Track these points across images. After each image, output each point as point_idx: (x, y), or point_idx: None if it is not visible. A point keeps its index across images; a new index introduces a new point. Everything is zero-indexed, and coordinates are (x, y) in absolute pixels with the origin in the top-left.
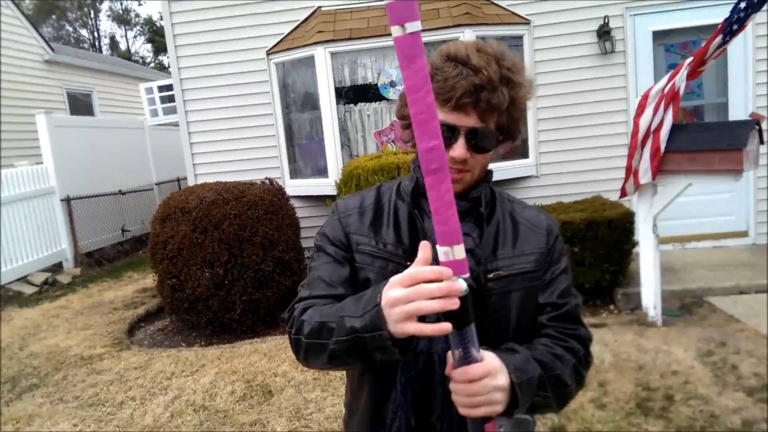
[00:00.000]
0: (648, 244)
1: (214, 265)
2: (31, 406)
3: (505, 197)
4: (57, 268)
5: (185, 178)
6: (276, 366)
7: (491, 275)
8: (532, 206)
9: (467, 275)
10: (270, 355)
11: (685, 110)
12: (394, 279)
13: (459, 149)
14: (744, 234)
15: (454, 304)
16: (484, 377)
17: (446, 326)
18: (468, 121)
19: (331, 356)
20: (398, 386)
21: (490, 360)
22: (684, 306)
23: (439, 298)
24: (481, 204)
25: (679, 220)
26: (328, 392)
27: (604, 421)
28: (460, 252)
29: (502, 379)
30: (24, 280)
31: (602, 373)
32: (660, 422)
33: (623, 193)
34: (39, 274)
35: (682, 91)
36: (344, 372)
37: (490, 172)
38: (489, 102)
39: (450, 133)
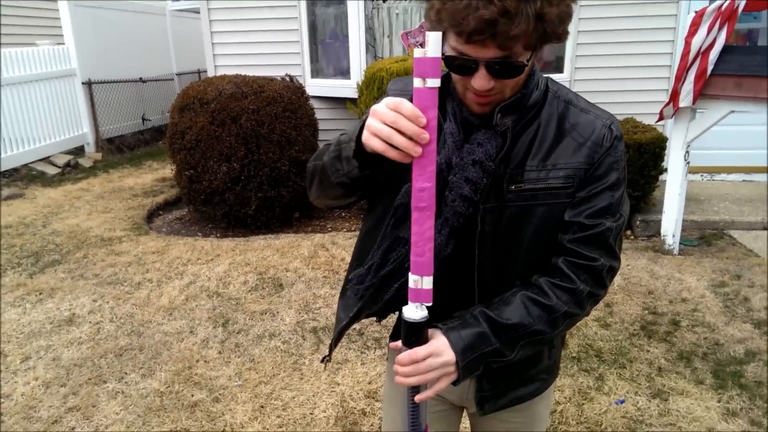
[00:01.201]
0: (677, 170)
1: (230, 159)
2: (54, 280)
3: (561, 98)
4: (79, 151)
5: (206, 71)
6: (288, 262)
7: (513, 187)
8: (595, 109)
9: (429, 303)
10: (283, 251)
11: (738, 33)
12: (387, 99)
13: (480, 80)
14: None
15: (416, 151)
16: (428, 357)
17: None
18: (487, 52)
19: (322, 176)
20: (390, 221)
21: (434, 340)
22: (703, 237)
23: (407, 138)
24: (510, 111)
25: (710, 150)
26: (336, 290)
27: (606, 339)
28: (428, 283)
29: (448, 354)
30: (47, 161)
31: (610, 295)
32: (663, 345)
33: (661, 116)
34: (61, 156)
35: (740, 10)
36: None
37: (531, 78)
38: (507, 34)
39: (468, 63)
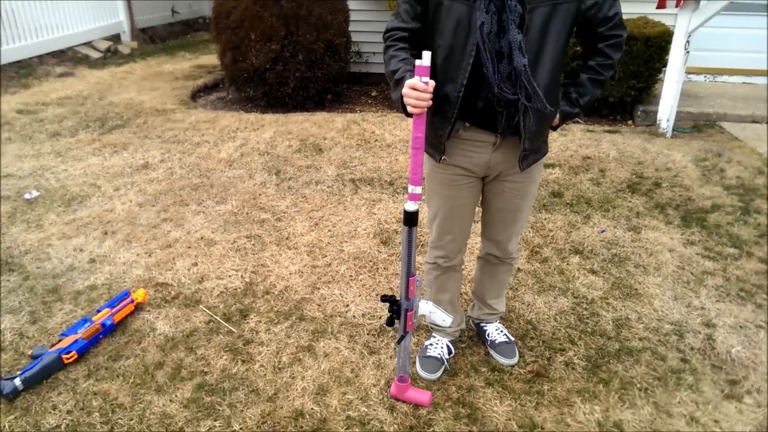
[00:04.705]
0: (677, 58)
1: (272, 39)
2: (123, 138)
3: None
4: (116, 39)
5: None
6: (325, 132)
7: None
8: None
9: (420, 201)
10: (319, 124)
11: None
12: (408, 82)
13: None
14: None
15: (423, 105)
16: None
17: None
18: None
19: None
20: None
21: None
22: (696, 126)
23: (417, 102)
24: None
25: (714, 52)
26: (370, 154)
27: (595, 193)
28: (418, 190)
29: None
30: (89, 45)
31: (605, 163)
32: (643, 198)
33: (661, 3)
34: (102, 41)
35: None
36: (383, 140)
37: None
38: None
39: None
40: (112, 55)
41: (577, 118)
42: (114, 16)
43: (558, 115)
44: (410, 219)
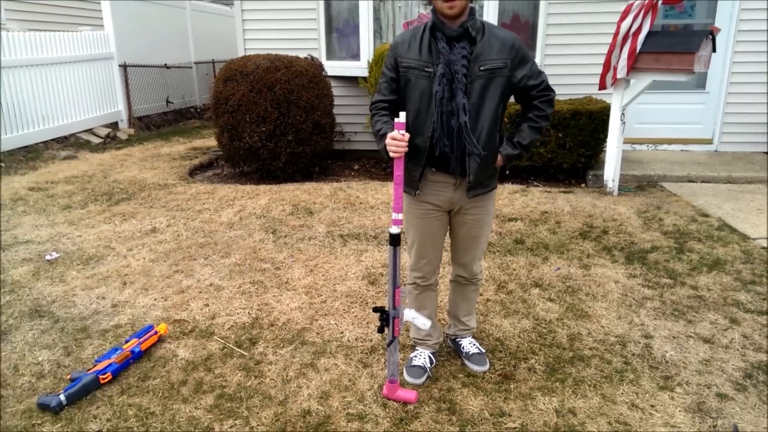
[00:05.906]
0: (615, 126)
1: (266, 120)
2: (131, 208)
3: (488, 26)
4: (114, 126)
5: (220, 61)
6: (314, 198)
7: (482, 68)
8: (506, 30)
9: (401, 227)
10: (309, 192)
11: (677, 27)
12: (393, 135)
13: None
14: (709, 141)
15: (401, 151)
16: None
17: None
18: None
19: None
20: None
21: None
22: (639, 186)
23: (396, 149)
24: (470, 30)
25: (655, 124)
26: (356, 214)
27: (552, 239)
28: (399, 216)
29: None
30: (90, 132)
31: (560, 216)
32: (593, 243)
33: (602, 85)
34: (101, 128)
35: (660, 4)
36: (367, 203)
37: (473, 11)
38: None
39: None
40: (111, 140)
41: (536, 183)
42: (113, 106)
43: (501, 158)
44: (395, 240)
